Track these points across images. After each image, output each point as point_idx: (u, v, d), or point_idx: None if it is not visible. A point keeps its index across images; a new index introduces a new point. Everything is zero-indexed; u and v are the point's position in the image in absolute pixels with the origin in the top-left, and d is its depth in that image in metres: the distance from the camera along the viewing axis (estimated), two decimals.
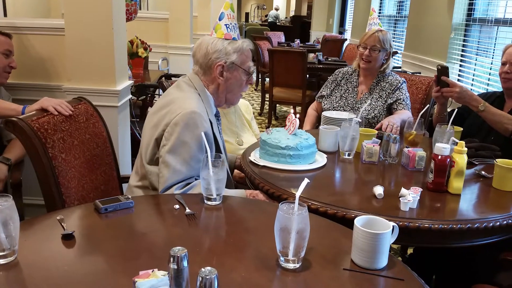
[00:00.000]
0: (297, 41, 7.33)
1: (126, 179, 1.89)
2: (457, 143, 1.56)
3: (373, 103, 2.48)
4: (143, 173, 1.68)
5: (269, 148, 1.75)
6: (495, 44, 3.62)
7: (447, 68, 2.06)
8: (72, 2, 2.32)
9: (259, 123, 5.66)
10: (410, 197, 1.42)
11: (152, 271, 0.91)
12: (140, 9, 4.94)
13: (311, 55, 5.56)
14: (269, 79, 5.34)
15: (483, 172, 1.75)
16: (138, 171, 1.71)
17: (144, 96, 3.67)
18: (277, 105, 6.25)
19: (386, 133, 1.96)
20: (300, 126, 1.86)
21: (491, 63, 3.62)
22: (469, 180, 1.69)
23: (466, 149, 1.54)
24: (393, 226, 1.12)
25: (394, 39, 5.93)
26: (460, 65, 4.05)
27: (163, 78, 2.92)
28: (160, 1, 7.97)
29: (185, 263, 0.89)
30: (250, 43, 1.76)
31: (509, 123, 1.93)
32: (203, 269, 0.87)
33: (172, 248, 0.90)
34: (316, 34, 10.09)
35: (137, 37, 4.04)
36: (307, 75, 5.29)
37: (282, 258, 1.08)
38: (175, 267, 0.89)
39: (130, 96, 2.70)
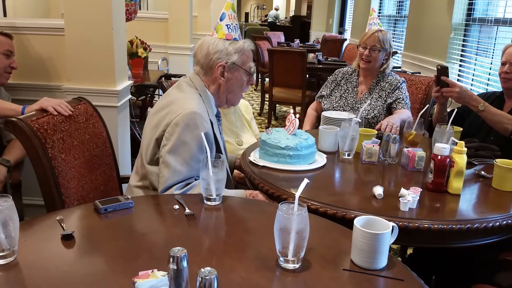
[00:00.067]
0: (297, 41, 7.33)
1: (125, 179, 1.89)
2: (456, 143, 1.56)
3: (373, 103, 2.48)
4: (143, 173, 1.68)
5: (269, 148, 1.75)
6: (494, 44, 3.62)
7: (446, 68, 2.06)
8: (72, 2, 2.32)
9: (259, 123, 5.66)
10: (410, 197, 1.42)
11: (152, 272, 0.91)
12: (140, 9, 4.94)
13: (310, 55, 5.56)
14: (269, 79, 5.34)
15: (482, 172, 1.75)
16: (138, 171, 1.71)
17: (144, 96, 3.67)
18: (277, 105, 6.25)
19: (386, 133, 1.96)
20: (300, 126, 1.86)
21: (491, 63, 3.62)
22: (468, 180, 1.69)
23: (465, 149, 1.54)
24: (392, 226, 1.11)
25: (394, 39, 5.93)
26: (460, 65, 4.05)
27: (163, 78, 2.92)
28: (160, 1, 7.97)
29: (184, 264, 0.89)
30: (251, 44, 1.76)
31: (508, 123, 1.93)
32: (202, 270, 0.87)
33: (172, 248, 0.90)
34: (316, 34, 10.09)
35: (136, 37, 4.04)
36: (307, 75, 5.28)
37: (281, 259, 1.08)
38: (175, 267, 0.89)
39: (130, 96, 2.70)
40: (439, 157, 1.53)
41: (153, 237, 1.24)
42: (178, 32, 5.14)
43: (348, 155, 1.89)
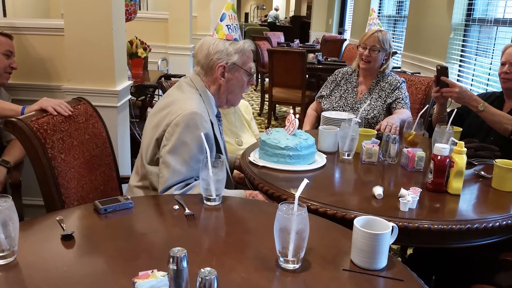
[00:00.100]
0: (297, 41, 7.32)
1: (125, 179, 1.89)
2: (456, 143, 1.56)
3: (373, 103, 2.48)
4: (143, 173, 1.68)
5: (269, 149, 1.75)
6: (494, 44, 3.62)
7: (446, 68, 2.06)
8: (71, 2, 2.32)
9: (258, 124, 5.66)
10: (410, 197, 1.42)
11: (152, 272, 0.91)
12: (139, 9, 4.94)
13: (310, 55, 5.56)
14: (269, 79, 5.34)
15: (482, 173, 1.75)
16: (138, 171, 1.71)
17: (144, 97, 3.67)
18: (277, 105, 6.25)
19: (386, 133, 1.96)
20: (300, 127, 1.86)
21: (491, 63, 3.62)
22: (468, 180, 1.70)
23: (465, 149, 1.54)
24: (392, 226, 1.11)
25: (394, 39, 5.93)
26: (460, 65, 4.05)
27: (163, 78, 2.93)
28: (159, 1, 7.98)
29: (184, 264, 0.89)
30: (251, 44, 1.76)
31: (508, 123, 1.93)
32: (202, 270, 0.87)
33: (172, 248, 0.90)
34: (316, 34, 10.09)
35: (136, 37, 4.04)
36: (307, 75, 5.29)
37: (281, 259, 1.08)
38: (175, 267, 0.89)
39: (130, 96, 2.70)
40: (438, 157, 1.53)
41: (153, 237, 1.24)
42: (178, 32, 5.14)
43: (348, 155, 1.89)
